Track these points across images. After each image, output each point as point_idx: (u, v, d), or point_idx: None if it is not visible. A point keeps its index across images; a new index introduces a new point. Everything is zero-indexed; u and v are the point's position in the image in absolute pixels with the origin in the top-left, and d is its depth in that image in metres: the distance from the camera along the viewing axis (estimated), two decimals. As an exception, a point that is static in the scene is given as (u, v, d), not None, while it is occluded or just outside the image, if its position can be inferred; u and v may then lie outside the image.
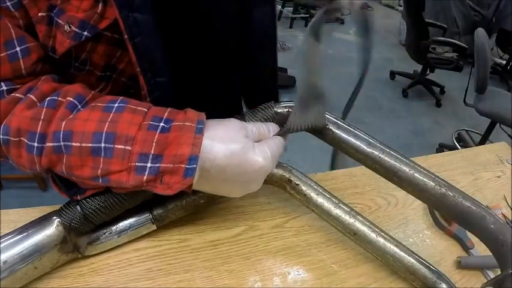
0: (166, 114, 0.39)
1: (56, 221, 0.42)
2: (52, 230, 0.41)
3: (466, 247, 0.58)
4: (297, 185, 0.52)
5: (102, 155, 0.36)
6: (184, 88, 0.46)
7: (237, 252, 0.51)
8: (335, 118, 0.49)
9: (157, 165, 0.36)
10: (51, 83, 0.40)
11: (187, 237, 0.52)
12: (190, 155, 0.36)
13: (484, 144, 2.20)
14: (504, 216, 0.65)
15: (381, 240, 0.49)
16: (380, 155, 0.46)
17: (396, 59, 3.91)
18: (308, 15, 4.37)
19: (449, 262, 0.56)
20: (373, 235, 0.49)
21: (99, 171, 0.36)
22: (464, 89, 2.36)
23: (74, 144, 0.36)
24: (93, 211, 0.41)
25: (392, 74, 3.52)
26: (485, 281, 0.53)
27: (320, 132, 0.49)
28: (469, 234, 0.58)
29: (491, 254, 0.43)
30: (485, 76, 2.08)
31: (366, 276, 0.51)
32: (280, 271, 0.50)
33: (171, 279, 0.46)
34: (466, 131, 2.86)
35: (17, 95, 0.38)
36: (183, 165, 0.36)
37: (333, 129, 0.48)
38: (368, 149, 0.47)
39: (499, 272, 0.41)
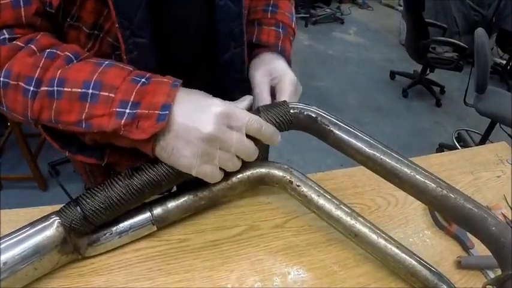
0: (148, 75, 0.43)
1: (56, 221, 0.42)
2: (52, 231, 0.41)
3: (466, 247, 0.58)
4: (298, 186, 0.52)
5: (89, 101, 0.40)
6: (164, 54, 0.50)
7: (237, 252, 0.51)
8: (336, 119, 0.49)
9: (134, 111, 0.40)
10: (49, 38, 0.44)
11: (187, 237, 0.52)
12: (164, 103, 0.40)
13: (484, 144, 2.19)
14: (504, 216, 0.65)
15: (382, 241, 0.48)
16: (381, 156, 0.46)
17: (396, 59, 3.91)
18: (308, 15, 4.37)
19: (449, 262, 0.56)
20: (374, 236, 0.49)
21: (83, 115, 0.40)
22: (464, 89, 2.36)
23: (65, 89, 0.40)
24: (93, 212, 0.41)
25: (393, 74, 3.52)
26: (485, 280, 0.53)
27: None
28: (469, 234, 0.58)
29: (491, 254, 0.43)
30: (485, 76, 2.08)
31: (366, 276, 0.51)
32: (280, 271, 0.50)
33: (171, 279, 0.46)
34: (466, 131, 2.86)
35: (18, 43, 0.42)
36: (157, 112, 0.40)
37: (334, 131, 0.48)
38: (369, 151, 0.47)
39: (500, 273, 0.41)
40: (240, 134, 0.43)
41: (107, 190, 0.42)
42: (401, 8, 4.43)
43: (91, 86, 0.40)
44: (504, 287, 0.39)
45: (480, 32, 2.05)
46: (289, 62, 0.60)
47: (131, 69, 0.43)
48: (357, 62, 3.75)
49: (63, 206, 0.43)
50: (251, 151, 0.45)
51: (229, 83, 0.59)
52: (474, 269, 0.55)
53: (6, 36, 0.41)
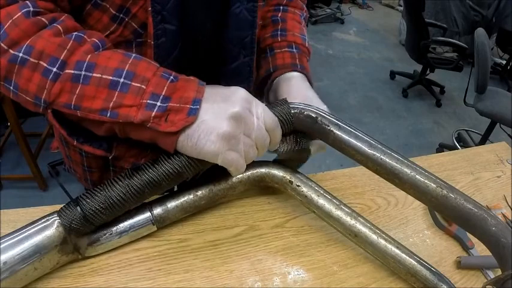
0: (173, 73, 0.44)
1: (56, 221, 0.41)
2: (52, 230, 0.41)
3: (466, 247, 0.58)
4: (298, 186, 0.52)
5: (118, 89, 0.39)
6: (192, 46, 0.52)
7: (237, 252, 0.51)
8: (336, 119, 0.49)
9: (165, 104, 0.40)
10: (73, 22, 0.43)
11: (187, 237, 0.52)
12: (195, 98, 0.41)
13: (484, 144, 2.20)
14: (504, 216, 0.65)
15: (382, 241, 0.49)
16: (381, 156, 0.46)
17: (396, 59, 3.91)
18: (308, 15, 4.37)
19: (449, 262, 0.56)
20: (374, 237, 0.49)
21: (111, 104, 0.39)
22: (464, 89, 2.36)
23: (94, 74, 0.39)
24: (93, 212, 0.41)
25: (392, 74, 3.52)
26: (485, 280, 0.53)
27: (318, 137, 0.49)
28: (469, 234, 0.58)
29: (491, 254, 0.43)
30: (485, 76, 2.08)
31: (366, 276, 0.51)
32: (280, 271, 0.50)
33: (171, 279, 0.46)
34: (466, 131, 2.86)
35: (43, 19, 0.40)
36: (188, 106, 0.41)
37: (334, 131, 0.48)
38: (369, 151, 0.47)
39: (499, 272, 0.41)
40: (259, 121, 0.44)
41: (106, 190, 0.42)
42: (401, 8, 4.43)
43: (123, 75, 0.40)
44: (504, 287, 0.39)
45: (480, 32, 2.05)
46: (310, 82, 0.60)
47: (158, 65, 0.43)
48: (357, 62, 3.75)
49: (63, 206, 0.43)
50: (267, 142, 0.46)
51: (239, 83, 0.59)
52: (474, 269, 0.55)
53: (31, 8, 0.39)
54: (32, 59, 0.38)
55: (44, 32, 0.39)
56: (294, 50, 0.61)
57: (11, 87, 0.41)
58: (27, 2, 0.39)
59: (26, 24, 0.38)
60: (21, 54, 0.38)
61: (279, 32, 0.62)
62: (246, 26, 0.53)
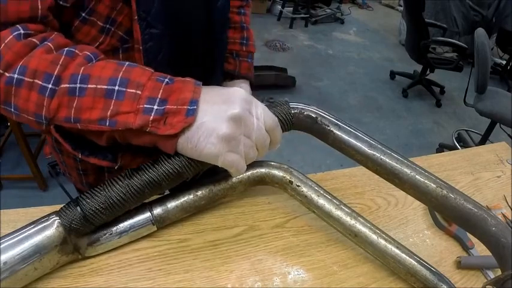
0: (169, 76, 0.44)
1: (56, 221, 0.41)
2: (52, 230, 0.41)
3: (466, 247, 0.58)
4: (298, 186, 0.52)
5: (114, 97, 0.40)
6: (178, 45, 0.54)
7: (237, 252, 0.51)
8: (336, 119, 0.49)
9: (162, 107, 0.40)
10: (64, 38, 0.44)
11: (187, 237, 0.52)
12: (191, 98, 0.41)
13: (484, 144, 2.20)
14: (504, 216, 0.65)
15: (382, 242, 0.49)
16: (381, 157, 0.46)
17: (396, 59, 3.91)
18: (308, 15, 4.37)
19: (449, 262, 0.56)
20: (374, 237, 0.49)
21: (108, 113, 0.40)
22: (464, 89, 2.36)
23: (89, 86, 0.40)
24: (93, 212, 0.41)
25: (392, 74, 3.52)
26: (485, 280, 0.53)
27: (317, 132, 0.50)
28: (469, 234, 0.58)
29: (491, 254, 0.43)
30: (485, 76, 2.08)
31: (366, 276, 0.51)
32: (280, 271, 0.50)
33: (171, 279, 0.46)
34: (466, 131, 2.86)
35: (34, 40, 0.40)
36: (185, 107, 0.41)
37: (334, 131, 0.48)
38: (369, 151, 0.47)
39: (499, 272, 0.41)
40: (259, 121, 0.44)
41: (107, 190, 0.42)
42: (401, 8, 4.43)
43: (117, 83, 0.40)
44: (504, 287, 0.39)
45: (480, 32, 2.05)
46: (252, 87, 0.76)
47: (152, 70, 0.44)
48: (357, 62, 3.75)
49: (63, 206, 0.43)
50: (267, 142, 0.46)
51: (219, 69, 0.68)
52: (474, 269, 0.55)
53: (21, 31, 0.40)
54: (27, 79, 0.39)
55: (35, 51, 0.40)
56: (249, 60, 0.77)
57: (12, 109, 0.41)
58: (18, 26, 0.40)
59: (18, 46, 0.39)
60: (16, 76, 0.39)
61: (244, 41, 0.76)
62: (225, 13, 0.63)
